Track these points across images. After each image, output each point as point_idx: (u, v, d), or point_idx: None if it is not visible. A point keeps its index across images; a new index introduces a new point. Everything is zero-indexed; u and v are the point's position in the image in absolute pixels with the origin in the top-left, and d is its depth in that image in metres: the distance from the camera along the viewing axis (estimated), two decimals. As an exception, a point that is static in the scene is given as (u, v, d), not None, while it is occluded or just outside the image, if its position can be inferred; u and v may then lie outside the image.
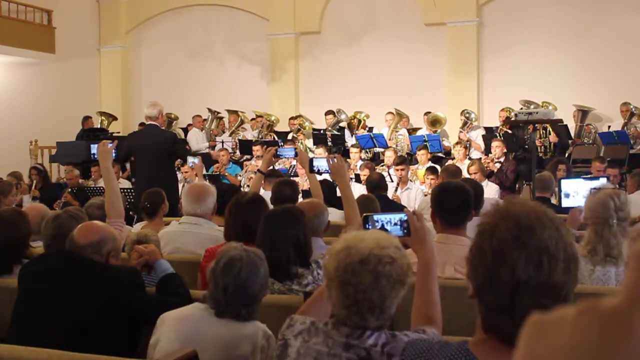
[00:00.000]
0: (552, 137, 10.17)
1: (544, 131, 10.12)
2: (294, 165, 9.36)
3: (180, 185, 8.01)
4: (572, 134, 10.38)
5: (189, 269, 3.58)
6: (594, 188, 4.07)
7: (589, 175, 7.10)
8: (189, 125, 12.82)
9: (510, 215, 1.38)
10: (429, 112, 11.19)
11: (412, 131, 11.13)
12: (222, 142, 11.64)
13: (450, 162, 8.98)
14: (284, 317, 2.02)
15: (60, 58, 13.34)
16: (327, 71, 13.03)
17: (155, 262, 3.03)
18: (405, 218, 2.16)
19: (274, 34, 13.41)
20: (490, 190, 7.21)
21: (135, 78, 14.81)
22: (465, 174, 7.30)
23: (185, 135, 12.41)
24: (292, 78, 13.39)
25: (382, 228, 2.17)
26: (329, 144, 10.58)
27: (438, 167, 8.29)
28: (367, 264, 1.75)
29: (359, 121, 11.95)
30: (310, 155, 9.27)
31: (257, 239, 2.98)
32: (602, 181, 4.79)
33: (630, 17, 11.26)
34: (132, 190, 6.87)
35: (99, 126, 13.07)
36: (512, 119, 9.23)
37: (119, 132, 13.31)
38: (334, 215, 4.88)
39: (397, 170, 7.85)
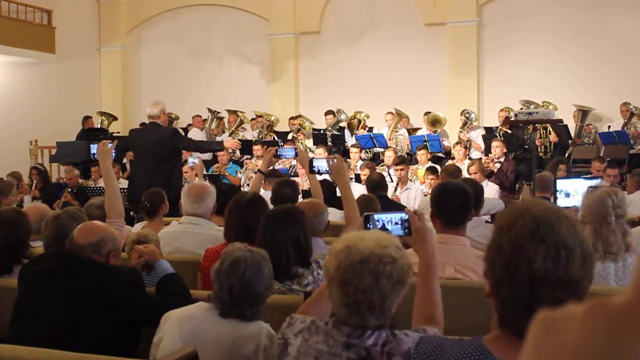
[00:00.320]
0: (552, 137, 10.17)
1: (544, 131, 10.12)
2: (294, 165, 9.36)
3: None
4: (572, 134, 10.38)
5: (189, 269, 3.58)
6: (591, 187, 4.12)
7: (588, 176, 7.11)
8: (189, 125, 12.82)
9: (528, 212, 1.40)
10: (429, 112, 11.19)
11: (412, 131, 11.14)
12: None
13: (450, 162, 8.98)
14: (284, 317, 2.02)
15: (60, 58, 13.34)
16: (327, 71, 13.04)
17: (155, 262, 3.03)
18: (406, 217, 2.16)
19: (274, 34, 13.41)
20: (490, 190, 7.21)
21: (135, 78, 14.81)
22: (465, 174, 7.30)
23: (186, 135, 12.40)
24: (292, 78, 13.39)
25: (383, 227, 2.17)
26: (329, 144, 10.58)
27: (438, 167, 8.29)
28: (368, 263, 1.75)
29: (359, 121, 11.95)
30: (310, 155, 9.28)
31: (257, 239, 2.98)
32: (599, 180, 4.83)
33: (630, 17, 11.26)
34: (127, 188, 6.78)
35: (99, 126, 13.07)
36: (512, 119, 9.23)
37: (119, 132, 13.30)
38: (334, 215, 4.88)
39: (397, 170, 7.85)
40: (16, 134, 12.13)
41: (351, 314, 1.78)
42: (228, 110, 12.74)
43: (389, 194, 7.04)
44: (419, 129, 11.24)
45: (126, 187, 7.79)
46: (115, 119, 13.66)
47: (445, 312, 2.11)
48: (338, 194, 4.49)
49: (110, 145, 4.17)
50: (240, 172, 10.01)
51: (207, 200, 4.15)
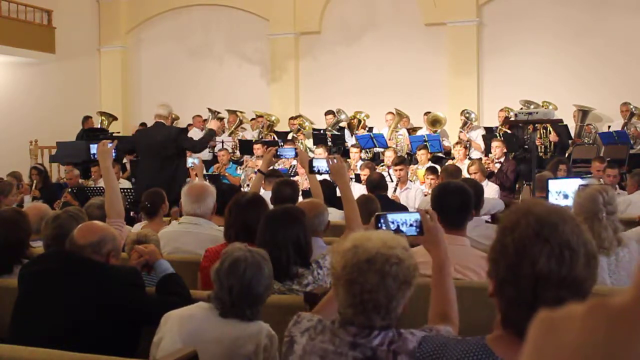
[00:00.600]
0: (553, 137, 10.16)
1: (544, 131, 10.12)
2: (294, 165, 9.36)
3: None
4: (572, 134, 10.38)
5: (189, 269, 3.57)
6: (582, 185, 4.18)
7: (588, 176, 7.12)
8: (189, 125, 12.80)
9: (531, 212, 1.41)
10: (429, 112, 11.19)
11: (412, 131, 11.13)
12: (222, 142, 11.65)
13: (450, 162, 8.98)
14: (284, 317, 2.02)
15: (60, 58, 13.34)
16: (327, 71, 13.04)
17: (155, 262, 3.03)
18: (419, 218, 2.16)
19: (274, 34, 13.41)
20: (490, 191, 7.21)
21: (135, 78, 14.81)
22: (465, 174, 7.30)
23: (186, 135, 12.40)
24: (292, 78, 13.39)
25: (398, 229, 2.17)
26: (329, 144, 10.58)
27: (438, 167, 8.29)
28: (374, 263, 1.75)
29: (359, 121, 11.95)
30: (310, 155, 9.28)
31: (258, 239, 2.98)
32: (590, 179, 4.89)
33: (630, 17, 11.26)
34: (133, 188, 6.86)
35: (99, 126, 13.07)
36: (512, 119, 9.23)
37: (119, 132, 13.31)
38: (334, 215, 4.89)
39: (396, 170, 7.85)
40: (16, 134, 12.13)
41: (357, 314, 1.78)
42: (228, 110, 12.74)
43: (389, 194, 7.04)
44: (419, 129, 11.24)
45: (126, 187, 7.80)
46: (115, 119, 13.66)
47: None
48: (338, 194, 4.49)
49: (110, 145, 4.17)
50: (240, 169, 10.02)
51: (207, 200, 4.15)
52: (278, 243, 2.91)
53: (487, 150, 9.85)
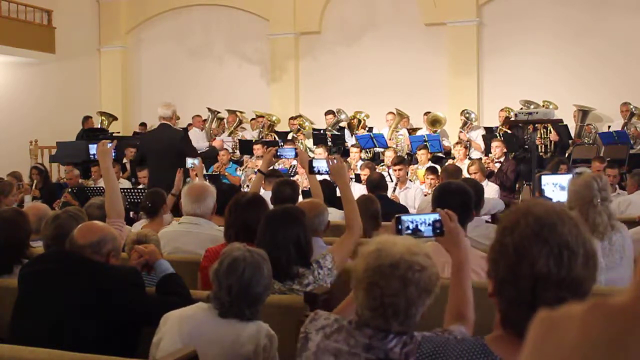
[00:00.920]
0: (553, 136, 10.16)
1: (544, 130, 10.12)
2: (294, 165, 9.36)
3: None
4: (572, 134, 10.38)
5: (189, 269, 3.58)
6: (577, 172, 4.25)
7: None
8: (189, 125, 12.81)
9: (530, 212, 1.41)
10: (429, 112, 11.19)
11: (412, 131, 11.14)
12: (222, 142, 11.65)
13: (450, 162, 8.98)
14: (284, 317, 2.02)
15: (60, 58, 13.34)
16: (327, 71, 13.03)
17: (155, 262, 3.03)
18: (438, 218, 2.17)
19: (274, 34, 13.41)
20: (490, 190, 7.21)
21: (135, 78, 14.81)
22: (465, 174, 7.30)
23: (186, 135, 12.40)
24: (292, 78, 13.39)
25: (417, 228, 2.17)
26: (329, 144, 10.58)
27: (438, 167, 8.29)
28: (397, 268, 1.76)
29: (359, 121, 11.95)
30: (310, 155, 9.28)
31: (258, 239, 2.98)
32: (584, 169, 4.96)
33: (630, 17, 11.26)
34: (144, 189, 6.94)
35: (99, 126, 13.08)
36: (512, 119, 9.23)
37: (119, 132, 13.32)
38: (334, 215, 4.89)
39: (395, 170, 7.85)
40: (16, 134, 12.13)
41: (375, 317, 1.79)
42: (228, 110, 12.74)
43: (388, 193, 7.05)
44: (419, 129, 11.25)
45: (126, 187, 7.80)
46: (115, 119, 13.66)
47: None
48: (338, 194, 4.50)
49: (110, 145, 4.17)
50: (240, 170, 10.02)
51: (207, 200, 4.15)
52: (278, 243, 2.91)
53: (487, 150, 9.85)
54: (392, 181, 7.91)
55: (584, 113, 10.63)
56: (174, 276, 2.98)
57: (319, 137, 10.77)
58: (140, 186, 7.93)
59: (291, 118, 12.35)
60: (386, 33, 12.62)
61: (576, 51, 11.48)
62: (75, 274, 2.75)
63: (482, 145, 10.29)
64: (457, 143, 9.97)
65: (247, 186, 8.73)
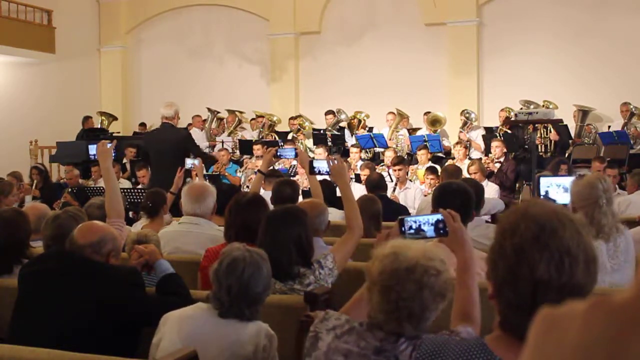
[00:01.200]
0: (553, 135, 10.16)
1: (544, 130, 10.12)
2: (294, 166, 9.35)
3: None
4: (572, 134, 10.38)
5: (189, 269, 3.58)
6: (579, 174, 4.24)
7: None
8: (189, 125, 12.80)
9: (530, 215, 1.39)
10: (429, 112, 11.19)
11: (412, 131, 11.14)
12: (222, 142, 11.65)
13: (450, 162, 8.97)
14: (285, 317, 2.02)
15: (60, 58, 13.34)
16: (327, 71, 13.03)
17: (155, 262, 3.03)
18: (441, 219, 2.16)
19: (274, 34, 13.41)
20: (490, 190, 7.20)
21: (135, 78, 14.81)
22: (465, 174, 7.30)
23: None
24: (292, 78, 13.39)
25: (419, 228, 2.17)
26: (329, 144, 10.58)
27: (438, 167, 8.29)
28: (414, 272, 1.77)
29: (359, 121, 11.95)
30: (310, 155, 9.28)
31: (259, 239, 2.98)
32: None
33: (630, 17, 11.26)
34: (145, 189, 6.96)
35: (99, 126, 13.07)
36: (512, 119, 9.22)
37: (119, 132, 13.32)
38: (334, 215, 4.88)
39: (395, 170, 7.85)
40: (16, 134, 12.13)
41: (389, 320, 1.79)
42: (228, 110, 12.74)
43: (388, 193, 7.04)
44: (419, 129, 11.24)
45: (126, 187, 7.81)
46: (115, 119, 13.66)
47: (446, 311, 2.11)
48: (338, 194, 4.50)
49: (110, 145, 4.17)
50: (240, 171, 10.01)
51: (207, 200, 4.15)
52: (279, 243, 2.91)
53: (487, 150, 9.84)
54: (392, 181, 7.91)
55: (584, 113, 10.62)
56: (174, 276, 2.98)
57: (319, 137, 10.77)
58: (140, 186, 7.93)
59: (291, 118, 12.35)
60: (386, 33, 12.62)
61: (576, 51, 11.48)
62: (75, 274, 2.75)
63: (482, 145, 10.29)
64: (457, 143, 9.97)
65: (247, 187, 8.73)
